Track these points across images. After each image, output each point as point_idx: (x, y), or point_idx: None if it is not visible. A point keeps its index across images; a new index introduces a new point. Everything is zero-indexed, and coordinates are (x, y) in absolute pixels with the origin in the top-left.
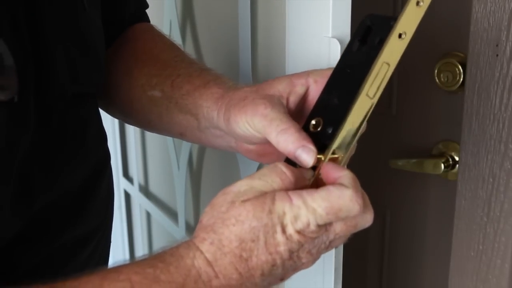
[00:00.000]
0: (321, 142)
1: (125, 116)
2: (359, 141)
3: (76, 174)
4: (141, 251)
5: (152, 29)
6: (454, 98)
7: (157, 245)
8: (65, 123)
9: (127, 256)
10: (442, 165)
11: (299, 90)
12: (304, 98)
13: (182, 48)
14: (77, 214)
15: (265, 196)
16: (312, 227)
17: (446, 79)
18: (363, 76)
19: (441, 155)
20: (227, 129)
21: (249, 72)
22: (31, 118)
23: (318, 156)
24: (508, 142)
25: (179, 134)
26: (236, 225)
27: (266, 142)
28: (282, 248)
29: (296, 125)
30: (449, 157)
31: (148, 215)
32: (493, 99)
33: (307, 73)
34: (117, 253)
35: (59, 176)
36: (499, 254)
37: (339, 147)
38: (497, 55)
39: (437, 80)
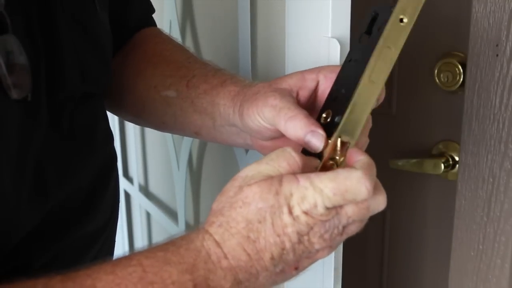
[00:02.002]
0: (331, 133)
1: (137, 117)
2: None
3: (87, 172)
4: None
5: (161, 33)
6: (454, 98)
7: None
8: (75, 122)
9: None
10: (442, 165)
11: (309, 84)
12: (314, 93)
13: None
14: (87, 211)
15: (272, 179)
16: (320, 208)
17: (446, 79)
18: (365, 63)
19: (441, 155)
20: (241, 125)
21: (248, 72)
22: (43, 116)
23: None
24: (508, 142)
25: (194, 133)
26: (243, 207)
27: (280, 136)
28: (290, 230)
29: (304, 112)
30: (449, 157)
31: (148, 215)
32: (493, 99)
33: (318, 69)
34: (117, 253)
35: (72, 173)
36: (499, 254)
37: (346, 132)
38: (497, 55)
39: (437, 80)
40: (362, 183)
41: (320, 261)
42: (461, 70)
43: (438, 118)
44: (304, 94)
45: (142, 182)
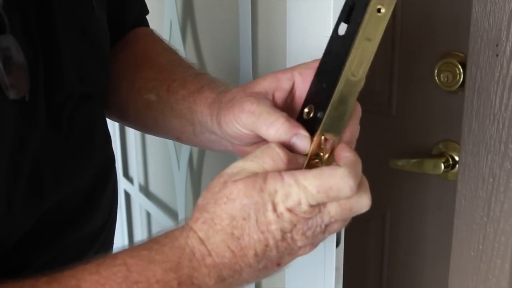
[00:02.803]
0: (314, 128)
1: (121, 119)
2: (358, 141)
3: (85, 173)
4: None
5: (152, 33)
6: (454, 98)
7: None
8: (74, 123)
9: None
10: (442, 165)
11: (285, 85)
12: (291, 92)
13: (180, 53)
14: (85, 212)
15: (256, 175)
16: (304, 206)
17: (446, 79)
18: (344, 56)
19: (441, 155)
20: (220, 133)
21: (249, 72)
22: (41, 117)
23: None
24: (508, 142)
25: (175, 138)
26: (227, 203)
27: (260, 140)
28: (274, 227)
29: (284, 114)
30: (449, 157)
31: (148, 215)
32: (493, 99)
33: (292, 68)
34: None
35: (69, 175)
36: (499, 254)
37: (330, 128)
38: (497, 55)
39: (437, 80)
40: (345, 181)
41: (321, 260)
42: (461, 70)
43: (438, 118)
44: (280, 96)
45: (142, 182)
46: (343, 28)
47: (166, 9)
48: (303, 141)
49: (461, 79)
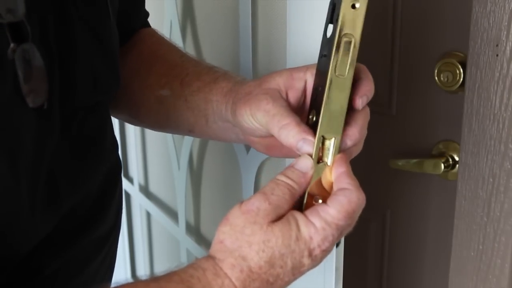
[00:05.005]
0: (316, 132)
1: (132, 117)
2: None
3: (96, 178)
4: (141, 251)
5: (156, 33)
6: (454, 98)
7: (157, 245)
8: (84, 130)
9: (127, 256)
10: (442, 165)
11: (298, 84)
12: (304, 92)
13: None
14: (96, 217)
15: (289, 221)
16: (337, 239)
17: (446, 79)
18: (330, 58)
19: (441, 155)
20: (234, 122)
21: (249, 71)
22: (56, 124)
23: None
24: (508, 142)
25: (187, 131)
26: (265, 251)
27: (270, 135)
28: (306, 268)
29: (297, 118)
30: (449, 157)
31: (148, 215)
32: (493, 99)
33: (306, 67)
34: (117, 253)
35: (81, 181)
36: (499, 254)
37: (329, 131)
38: (497, 55)
39: (437, 80)
40: (362, 199)
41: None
42: (461, 70)
43: (438, 118)
44: (294, 95)
45: (142, 182)
46: (328, 31)
47: (166, 9)
48: (308, 146)
49: (461, 79)
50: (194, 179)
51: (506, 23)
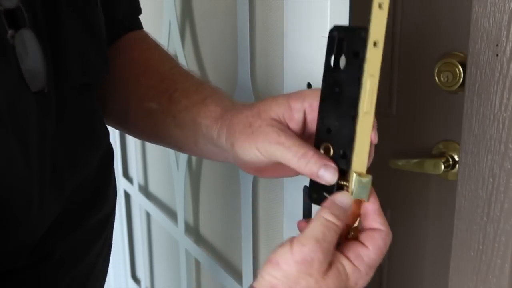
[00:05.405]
0: (338, 167)
1: (121, 125)
2: None
3: (91, 162)
4: (141, 251)
5: (147, 37)
6: (454, 98)
7: (157, 245)
8: (76, 114)
9: (126, 255)
10: (442, 165)
11: (297, 116)
12: (304, 123)
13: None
14: (97, 199)
15: (339, 271)
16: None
17: (446, 79)
18: (354, 95)
19: (441, 155)
20: (231, 151)
21: (247, 72)
22: (53, 108)
23: (342, 182)
24: (508, 142)
25: (177, 148)
26: None
27: (268, 166)
28: None
29: (312, 148)
30: (449, 157)
31: (148, 215)
32: (493, 99)
33: (303, 97)
34: (117, 253)
35: (79, 164)
36: (499, 254)
37: (357, 166)
38: (497, 55)
39: (437, 80)
40: (391, 236)
41: None
42: (461, 70)
43: (438, 118)
44: (294, 128)
45: (142, 182)
46: (333, 61)
47: (165, 9)
48: (330, 173)
49: (461, 79)
50: (193, 180)
51: (506, 23)
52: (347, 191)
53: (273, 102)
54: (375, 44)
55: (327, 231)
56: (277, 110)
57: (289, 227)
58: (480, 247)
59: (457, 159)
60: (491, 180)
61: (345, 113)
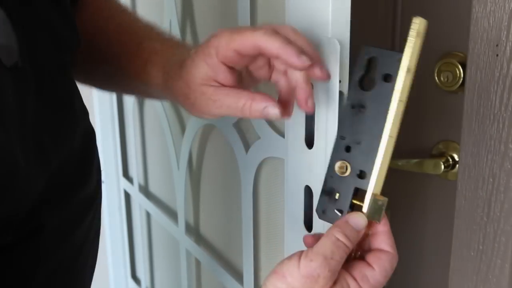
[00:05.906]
0: (349, 184)
1: (88, 74)
2: None
3: (73, 138)
4: (141, 251)
5: None
6: (454, 98)
7: (157, 245)
8: (54, 92)
9: (126, 255)
10: (442, 165)
11: (219, 69)
12: (227, 67)
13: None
14: (82, 175)
15: None
16: None
17: (446, 79)
18: (380, 118)
19: (441, 155)
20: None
21: None
22: (31, 84)
23: (356, 201)
24: (508, 142)
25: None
26: None
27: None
28: None
29: (245, 92)
30: (449, 157)
31: (148, 215)
32: (493, 99)
33: (214, 49)
34: (117, 253)
35: (62, 139)
36: (499, 254)
37: (376, 187)
38: (497, 55)
39: (437, 80)
40: (397, 258)
41: None
42: (461, 70)
43: (438, 118)
44: (222, 78)
45: (142, 182)
46: (361, 79)
47: (166, 8)
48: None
49: (461, 79)
50: (194, 179)
51: (506, 23)
52: (361, 211)
53: (192, 67)
54: (408, 70)
55: (336, 250)
56: (198, 75)
57: (290, 227)
58: (480, 247)
59: (457, 159)
60: (491, 180)
61: (369, 134)
